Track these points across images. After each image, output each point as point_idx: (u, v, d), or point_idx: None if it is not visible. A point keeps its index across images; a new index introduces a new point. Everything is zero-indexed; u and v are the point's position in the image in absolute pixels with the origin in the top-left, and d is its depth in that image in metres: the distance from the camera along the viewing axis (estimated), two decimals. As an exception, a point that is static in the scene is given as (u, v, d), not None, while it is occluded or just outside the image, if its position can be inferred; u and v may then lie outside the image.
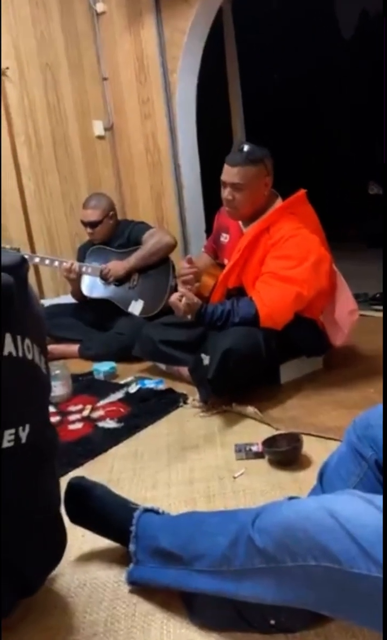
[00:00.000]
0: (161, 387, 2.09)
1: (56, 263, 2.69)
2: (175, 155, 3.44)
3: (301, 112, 5.43)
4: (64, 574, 1.17)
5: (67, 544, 1.18)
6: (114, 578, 1.14)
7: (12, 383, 0.85)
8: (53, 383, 2.04)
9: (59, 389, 2.07)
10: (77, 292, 2.74)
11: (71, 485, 1.19)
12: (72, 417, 1.94)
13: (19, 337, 0.86)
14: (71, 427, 1.87)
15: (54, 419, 1.94)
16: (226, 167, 1.93)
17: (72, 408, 2.01)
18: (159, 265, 2.66)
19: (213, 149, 3.20)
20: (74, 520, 1.18)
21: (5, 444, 0.84)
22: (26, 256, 2.63)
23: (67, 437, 1.79)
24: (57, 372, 2.07)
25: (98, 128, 3.59)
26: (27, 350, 0.88)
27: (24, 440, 0.87)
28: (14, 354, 0.85)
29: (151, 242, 2.63)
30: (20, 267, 0.89)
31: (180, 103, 3.37)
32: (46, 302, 3.13)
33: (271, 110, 5.33)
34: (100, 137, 3.62)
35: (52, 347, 2.60)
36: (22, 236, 3.21)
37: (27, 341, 0.88)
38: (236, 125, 4.56)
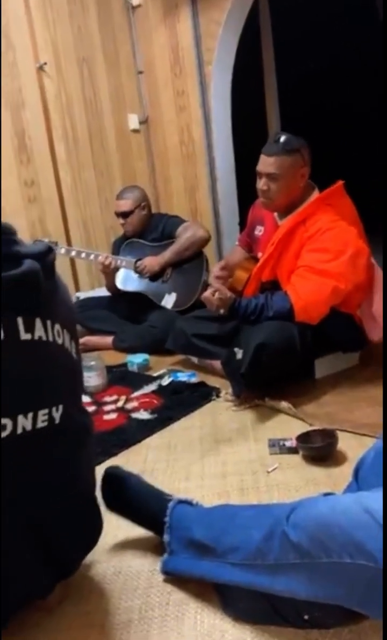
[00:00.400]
0: (194, 380, 2.10)
1: (92, 256, 2.72)
2: (209, 147, 3.42)
3: (339, 103, 5.31)
4: (100, 561, 1.20)
5: (103, 531, 1.20)
6: (148, 567, 1.16)
7: (43, 365, 0.88)
8: (88, 374, 2.08)
9: (94, 379, 2.10)
10: (111, 286, 2.77)
11: (107, 473, 1.21)
12: (107, 408, 1.97)
13: (48, 322, 0.89)
14: (106, 417, 1.90)
15: (90, 409, 1.97)
16: (261, 156, 1.92)
17: (107, 399, 2.04)
18: (193, 259, 2.66)
19: (248, 141, 3.17)
20: (110, 507, 1.20)
21: (40, 424, 0.86)
22: (63, 249, 2.71)
23: (102, 426, 1.82)
24: (92, 363, 2.11)
25: (133, 121, 3.61)
26: (57, 335, 0.91)
27: (57, 420, 0.89)
28: (44, 337, 0.88)
29: (185, 236, 2.64)
30: (46, 255, 0.92)
31: (215, 95, 3.34)
32: (81, 294, 3.17)
33: (307, 101, 5.23)
34: (135, 131, 3.63)
35: (86, 339, 2.64)
36: (59, 230, 3.25)
37: (57, 326, 0.91)
38: (271, 117, 4.50)
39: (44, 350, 0.88)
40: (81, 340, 2.65)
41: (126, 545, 1.24)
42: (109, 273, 2.70)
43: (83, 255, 2.75)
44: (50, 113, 3.18)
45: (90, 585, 1.13)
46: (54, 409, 0.89)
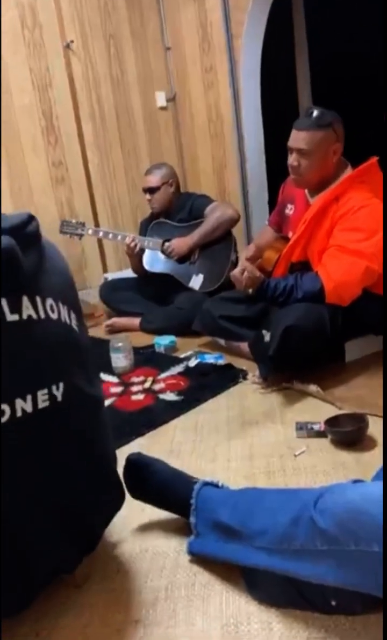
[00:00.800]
0: (221, 362, 2.09)
1: (118, 237, 2.71)
2: (238, 125, 3.34)
3: (373, 78, 5.11)
4: (126, 540, 1.21)
5: (129, 511, 1.21)
6: (174, 547, 1.16)
7: (37, 345, 0.84)
8: (116, 355, 2.09)
9: (121, 360, 2.11)
10: (137, 267, 2.77)
11: (130, 461, 1.21)
12: (134, 389, 1.97)
13: (38, 298, 0.85)
14: (134, 397, 1.91)
15: (117, 390, 1.98)
16: (293, 131, 1.85)
17: (134, 379, 2.05)
18: (221, 240, 2.62)
19: (278, 118, 3.08)
20: (135, 495, 1.20)
21: (41, 404, 0.84)
22: (90, 230, 2.70)
23: (129, 407, 1.83)
24: (120, 344, 2.11)
25: (160, 99, 3.55)
26: (50, 310, 0.86)
27: (60, 398, 0.86)
28: (35, 316, 0.83)
29: (214, 216, 2.59)
30: (25, 227, 0.86)
31: (244, 70, 3.25)
32: (109, 275, 3.18)
33: (340, 77, 5.05)
34: (162, 109, 3.58)
35: (114, 320, 2.65)
36: (87, 210, 3.25)
37: (50, 301, 0.86)
38: (303, 93, 4.37)
39: (36, 329, 0.83)
40: (109, 322, 2.66)
41: (153, 525, 1.24)
42: (133, 255, 2.69)
43: (110, 236, 2.74)
44: (77, 92, 3.15)
45: (117, 564, 1.14)
46: (54, 387, 0.86)
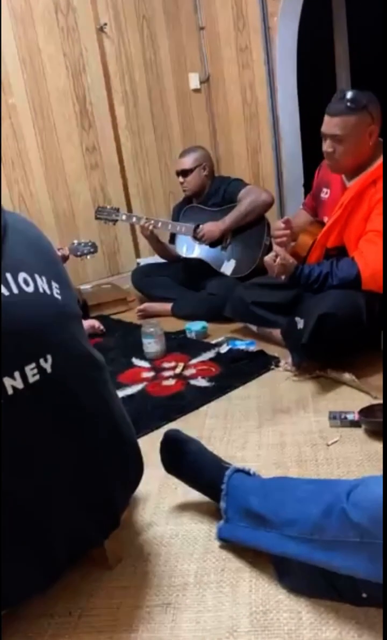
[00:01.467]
0: (252, 348, 2.07)
1: (142, 221, 2.68)
2: (273, 106, 3.26)
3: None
4: (158, 524, 1.22)
5: (161, 494, 1.22)
6: (205, 532, 1.17)
7: (14, 322, 0.82)
8: (147, 340, 2.10)
9: (153, 346, 2.11)
10: (159, 251, 2.78)
11: (167, 436, 1.22)
12: (165, 374, 1.98)
13: (8, 275, 0.83)
14: (165, 383, 1.91)
15: (149, 375, 2.00)
16: (325, 117, 1.80)
17: (165, 365, 2.05)
18: (254, 224, 2.58)
19: (315, 99, 2.99)
20: (169, 469, 1.21)
21: (32, 379, 0.83)
22: (124, 216, 2.70)
23: (161, 392, 1.84)
24: (152, 329, 2.12)
25: (194, 81, 3.49)
26: (24, 284, 0.85)
27: (49, 370, 0.85)
28: (7, 292, 0.82)
29: (247, 200, 2.55)
30: None
31: (280, 49, 3.16)
32: (142, 261, 3.18)
33: (380, 55, 4.85)
34: (196, 91, 3.52)
35: (146, 305, 2.66)
36: (120, 196, 3.24)
37: (23, 275, 0.85)
38: (341, 74, 4.23)
39: (12, 305, 0.82)
40: (141, 307, 2.67)
41: (184, 507, 1.25)
42: (150, 237, 2.68)
43: (142, 221, 2.72)
44: (110, 76, 3.13)
45: (148, 547, 1.16)
46: (41, 360, 0.84)
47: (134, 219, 2.76)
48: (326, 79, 4.22)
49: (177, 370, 1.98)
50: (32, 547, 0.90)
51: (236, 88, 3.42)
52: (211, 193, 2.69)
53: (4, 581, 0.88)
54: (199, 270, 2.63)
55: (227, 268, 2.57)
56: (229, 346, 2.10)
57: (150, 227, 2.63)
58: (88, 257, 2.58)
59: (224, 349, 2.09)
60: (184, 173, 2.67)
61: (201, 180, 2.68)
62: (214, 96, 3.56)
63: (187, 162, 2.66)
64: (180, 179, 2.70)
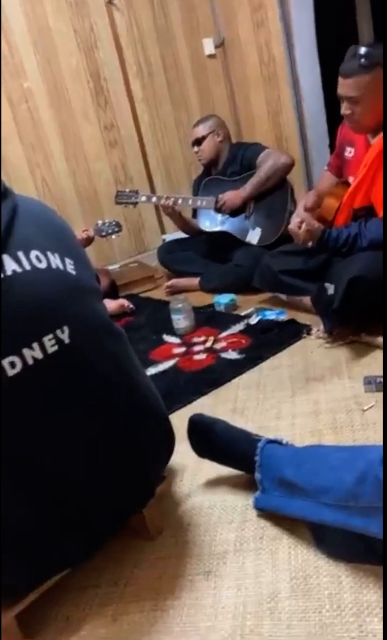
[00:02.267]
0: (283, 317, 2.04)
1: (162, 200, 2.66)
2: (292, 65, 3.13)
3: None
4: (195, 495, 1.24)
5: (196, 468, 1.23)
6: (242, 502, 1.18)
7: (29, 296, 0.85)
8: (176, 316, 2.10)
9: (182, 321, 2.11)
10: (184, 227, 2.75)
11: (193, 421, 1.23)
12: (196, 348, 1.98)
13: (20, 253, 0.86)
14: (196, 357, 1.92)
15: (180, 350, 2.00)
16: (339, 79, 1.72)
17: (195, 339, 2.06)
18: (276, 189, 2.51)
19: (336, 55, 2.85)
20: (201, 454, 1.23)
21: (51, 349, 0.86)
22: (143, 197, 2.68)
23: (192, 367, 1.85)
24: (180, 305, 2.11)
25: (208, 46, 3.37)
26: (37, 261, 0.87)
27: (67, 340, 0.88)
28: (19, 269, 0.85)
29: (266, 165, 2.48)
30: None
31: (295, 3, 3.01)
32: (167, 237, 3.16)
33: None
34: (211, 56, 3.41)
35: (173, 282, 2.65)
36: (141, 171, 3.21)
37: (35, 252, 0.88)
38: (362, 25, 4.01)
39: (26, 281, 0.85)
40: (168, 283, 2.66)
41: (220, 480, 1.27)
42: (173, 214, 2.65)
43: (163, 200, 2.69)
44: (123, 50, 3.06)
45: (188, 518, 1.18)
46: (58, 331, 0.87)
47: (154, 199, 2.73)
48: (347, 33, 4.01)
49: (208, 344, 1.98)
50: (72, 517, 0.92)
51: (251, 49, 3.29)
52: (229, 161, 2.64)
53: (48, 551, 0.91)
54: (223, 242, 2.59)
55: (253, 237, 2.53)
56: (259, 317, 2.08)
57: (171, 205, 2.60)
58: (113, 237, 2.58)
59: (253, 320, 2.07)
60: (198, 142, 2.64)
61: (215, 147, 2.63)
62: (230, 59, 3.45)
63: (200, 130, 2.63)
64: (195, 148, 2.67)
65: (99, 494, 0.95)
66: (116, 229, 2.56)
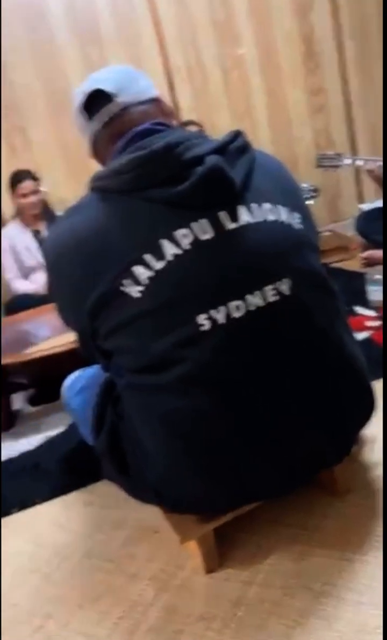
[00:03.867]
0: None
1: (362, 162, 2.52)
2: None
3: None
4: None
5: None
6: None
7: (257, 247, 0.91)
8: (373, 288, 2.04)
9: (378, 293, 2.05)
10: None
11: None
12: (391, 323, 1.91)
13: (254, 205, 0.92)
14: (390, 332, 1.85)
15: (374, 324, 1.95)
16: None
17: (391, 313, 1.98)
18: None
19: None
20: None
21: (271, 298, 0.91)
22: (347, 160, 2.59)
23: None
24: (377, 276, 2.05)
25: None
26: (270, 213, 0.93)
27: (288, 292, 0.92)
28: (252, 221, 0.91)
29: None
30: (229, 144, 0.94)
31: None
32: (365, 206, 3.03)
33: None
34: None
35: (370, 252, 2.54)
36: (343, 138, 3.10)
37: (267, 205, 0.93)
38: None
39: (256, 232, 0.91)
40: (364, 254, 2.56)
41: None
42: (378, 179, 2.49)
43: (368, 162, 2.57)
44: (338, 9, 2.94)
45: (376, 484, 1.18)
46: (279, 282, 0.92)
47: (361, 162, 2.62)
48: None
49: (406, 319, 1.90)
50: (271, 452, 0.97)
51: None
52: None
53: (247, 477, 0.98)
54: None
55: None
56: None
57: (377, 167, 2.47)
58: (308, 202, 2.57)
59: None
60: None
61: None
62: None
63: None
64: None
65: (302, 437, 0.99)
66: (314, 194, 2.55)
